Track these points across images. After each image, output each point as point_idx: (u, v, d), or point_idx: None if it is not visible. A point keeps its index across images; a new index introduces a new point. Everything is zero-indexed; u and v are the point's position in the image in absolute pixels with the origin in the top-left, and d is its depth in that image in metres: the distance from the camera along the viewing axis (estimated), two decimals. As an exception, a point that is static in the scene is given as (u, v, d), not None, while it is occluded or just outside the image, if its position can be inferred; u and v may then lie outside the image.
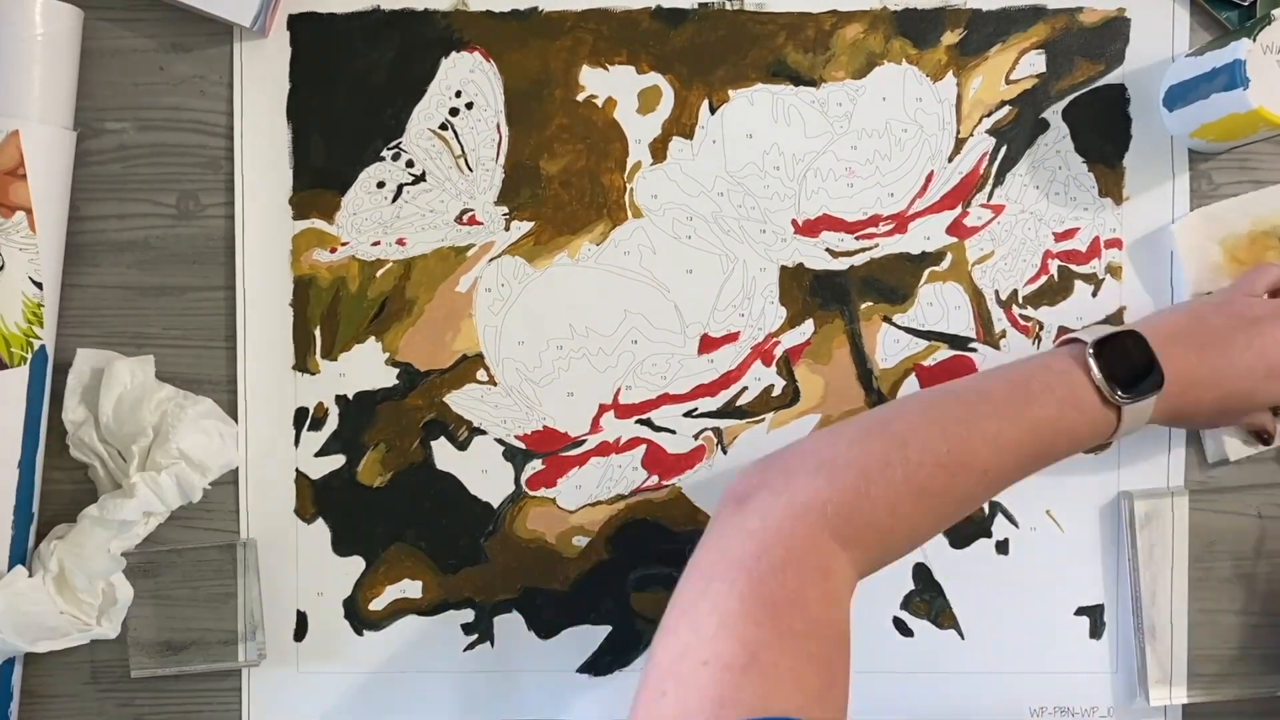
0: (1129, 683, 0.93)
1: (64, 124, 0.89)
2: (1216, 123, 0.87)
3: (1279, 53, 0.82)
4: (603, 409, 0.93)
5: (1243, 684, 0.93)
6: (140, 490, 0.87)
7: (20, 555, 0.88)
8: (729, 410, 0.93)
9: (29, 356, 0.87)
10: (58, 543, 0.88)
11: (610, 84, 0.92)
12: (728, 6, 0.92)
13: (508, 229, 0.92)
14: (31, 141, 0.86)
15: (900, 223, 0.93)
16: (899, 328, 0.93)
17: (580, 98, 0.92)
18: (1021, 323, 0.93)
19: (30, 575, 0.87)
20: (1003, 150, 0.92)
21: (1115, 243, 0.93)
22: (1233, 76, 0.83)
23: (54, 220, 0.89)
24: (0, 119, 0.86)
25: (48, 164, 0.88)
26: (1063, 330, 0.93)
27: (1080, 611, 0.93)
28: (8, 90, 0.86)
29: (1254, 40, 0.82)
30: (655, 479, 0.93)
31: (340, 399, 0.93)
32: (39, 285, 0.87)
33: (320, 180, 0.92)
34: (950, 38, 0.92)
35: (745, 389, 0.93)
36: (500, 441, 0.93)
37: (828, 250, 0.92)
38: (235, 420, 0.92)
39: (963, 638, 0.93)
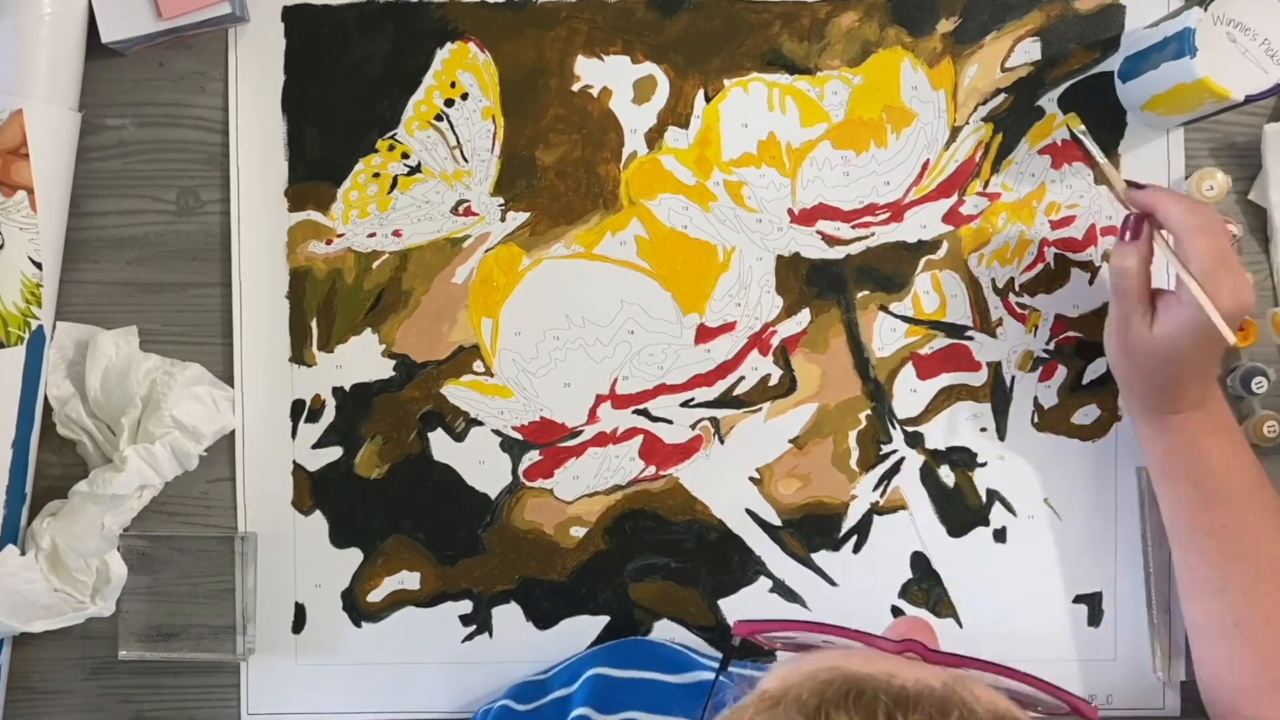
0: (1127, 670, 0.93)
1: (69, 105, 0.89)
2: (1165, 94, 0.86)
3: (1230, 25, 0.82)
4: (600, 399, 0.93)
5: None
6: (132, 463, 0.87)
7: (13, 535, 0.89)
8: (726, 400, 0.93)
9: (26, 336, 0.88)
10: (50, 520, 0.88)
11: (605, 74, 0.92)
12: (722, -4, 0.92)
13: (504, 220, 0.92)
14: (35, 121, 0.86)
15: (896, 211, 0.93)
16: (896, 316, 0.93)
17: (575, 88, 0.92)
18: (1018, 310, 0.93)
19: (23, 554, 0.87)
20: (998, 138, 0.92)
21: (1111, 230, 0.92)
22: (1182, 45, 0.82)
23: (56, 201, 0.89)
24: (4, 97, 0.86)
25: (51, 144, 0.88)
26: (1060, 320, 0.92)
27: (1079, 599, 0.93)
28: (13, 69, 0.86)
29: (1205, 10, 0.82)
30: (652, 469, 0.93)
31: (337, 391, 0.93)
32: (38, 265, 0.88)
33: (316, 172, 0.92)
34: (945, 25, 0.92)
35: (742, 379, 0.93)
36: (497, 433, 0.93)
37: (823, 238, 0.92)
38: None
39: (961, 626, 0.93)
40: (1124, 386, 0.88)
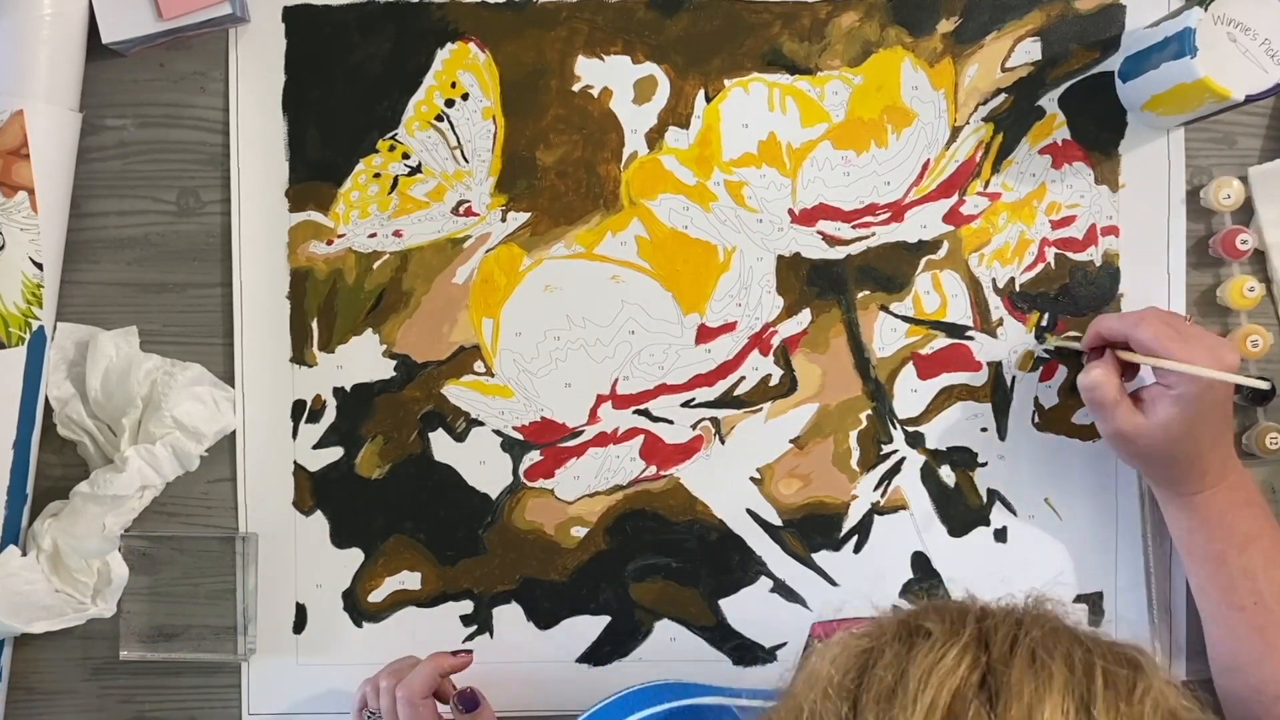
0: (1129, 670, 0.93)
1: (70, 105, 0.89)
2: (1166, 93, 0.87)
3: (1230, 25, 0.82)
4: (600, 400, 0.93)
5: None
6: (133, 463, 0.87)
7: (14, 536, 0.88)
8: (726, 400, 0.93)
9: (27, 337, 0.88)
10: (51, 520, 0.88)
11: (606, 74, 0.92)
12: (723, -3, 0.92)
13: (504, 220, 0.92)
14: (36, 122, 0.86)
15: (897, 211, 0.93)
16: (896, 316, 0.93)
17: (576, 88, 0.92)
18: (1018, 311, 0.93)
19: (24, 555, 0.87)
20: (999, 138, 0.92)
21: (1112, 230, 0.93)
22: (1182, 45, 0.82)
23: (57, 201, 0.89)
24: (5, 98, 0.86)
25: (52, 145, 0.88)
26: (1061, 322, 0.92)
27: (1079, 599, 0.93)
28: (14, 70, 0.86)
29: (1205, 10, 0.82)
30: (653, 469, 0.93)
31: (338, 391, 0.93)
32: (39, 266, 0.88)
33: (316, 172, 0.92)
34: (946, 25, 0.92)
35: (743, 379, 0.93)
36: (498, 433, 0.93)
37: (824, 238, 0.92)
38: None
39: (962, 626, 0.93)
40: (1145, 474, 0.89)
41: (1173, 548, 0.91)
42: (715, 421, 0.93)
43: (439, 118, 0.92)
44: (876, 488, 0.93)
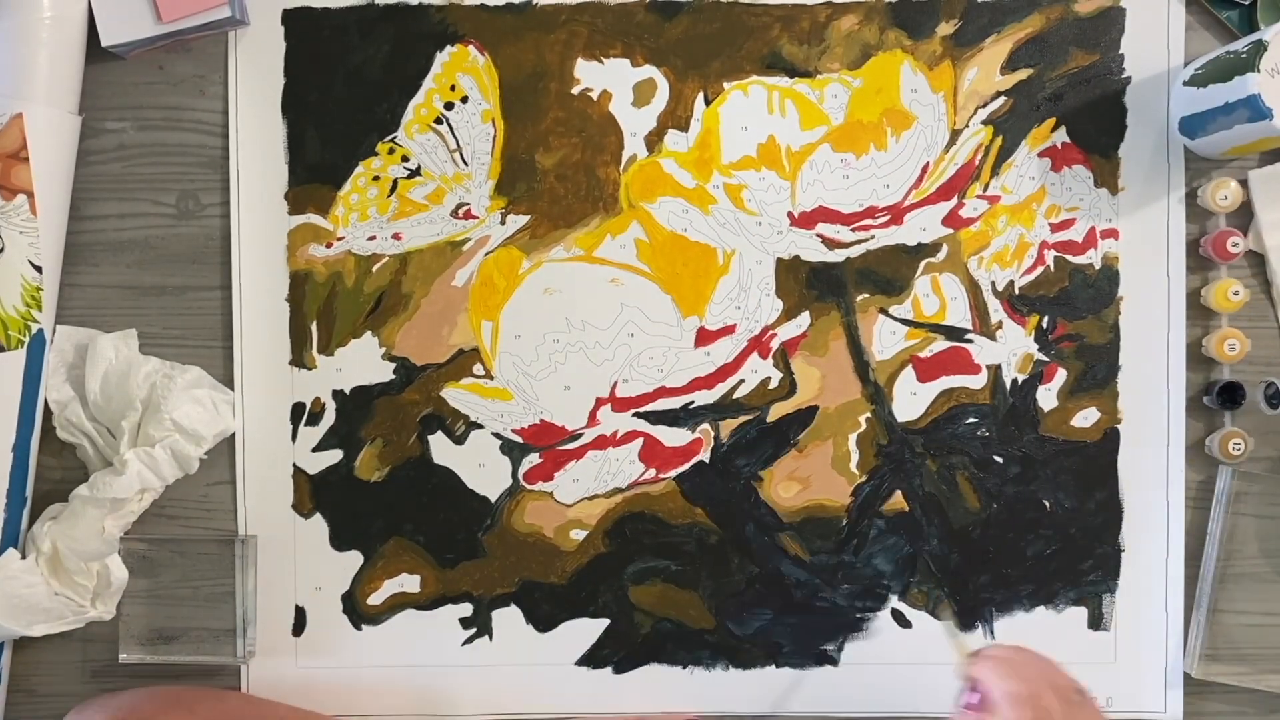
0: (1127, 672, 0.93)
1: (69, 108, 0.89)
2: (1249, 144, 0.87)
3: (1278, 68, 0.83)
4: (600, 402, 0.93)
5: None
6: (133, 466, 0.87)
7: (13, 539, 0.88)
8: (726, 403, 0.93)
9: (26, 340, 0.88)
10: (50, 523, 0.88)
11: (605, 77, 0.92)
12: None
13: (504, 223, 0.92)
14: (35, 125, 0.86)
15: (896, 214, 0.93)
16: (895, 319, 0.93)
17: (575, 91, 0.92)
18: (1018, 314, 0.93)
19: (23, 558, 0.87)
20: (998, 141, 0.92)
21: (1111, 233, 0.93)
22: (1254, 110, 0.83)
23: (56, 204, 0.89)
24: (4, 101, 0.86)
25: (51, 148, 0.88)
26: (1062, 324, 0.92)
27: (1079, 602, 0.93)
28: (13, 72, 0.86)
29: (1258, 71, 0.82)
30: (652, 472, 0.93)
31: (337, 394, 0.93)
32: (38, 269, 0.88)
33: (316, 175, 0.92)
34: (945, 28, 0.92)
35: (742, 381, 0.93)
36: (497, 435, 0.93)
37: (823, 241, 0.92)
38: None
39: (960, 629, 0.93)
40: None
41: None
42: (715, 424, 0.93)
43: (438, 120, 0.92)
44: (876, 491, 0.93)
